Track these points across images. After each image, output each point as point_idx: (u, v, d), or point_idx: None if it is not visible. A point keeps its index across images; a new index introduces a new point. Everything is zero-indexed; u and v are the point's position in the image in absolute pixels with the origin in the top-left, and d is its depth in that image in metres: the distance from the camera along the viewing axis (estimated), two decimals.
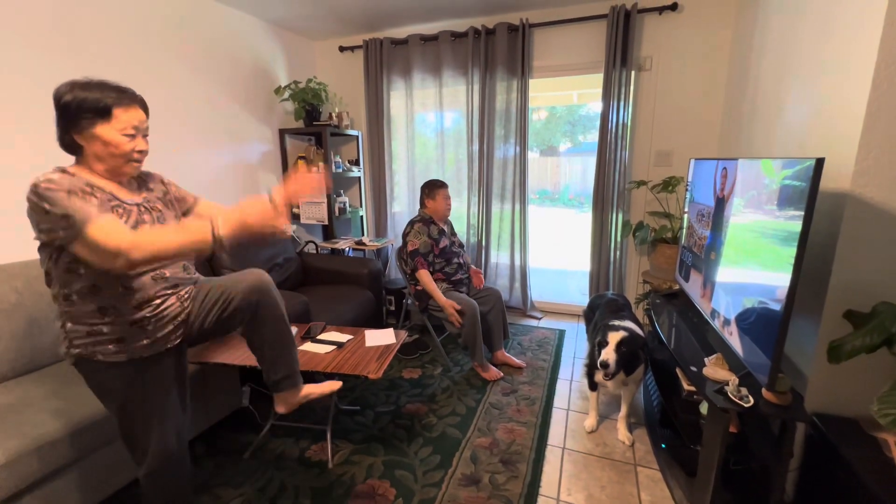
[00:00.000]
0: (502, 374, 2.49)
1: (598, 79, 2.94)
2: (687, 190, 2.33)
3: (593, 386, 2.03)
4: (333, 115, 3.39)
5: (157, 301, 1.18)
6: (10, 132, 1.85)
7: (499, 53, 3.07)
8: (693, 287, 2.04)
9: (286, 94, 3.24)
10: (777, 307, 1.27)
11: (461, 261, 2.69)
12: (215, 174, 2.84)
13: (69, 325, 1.12)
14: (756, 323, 1.40)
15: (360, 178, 3.75)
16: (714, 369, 1.52)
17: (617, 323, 1.88)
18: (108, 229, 0.98)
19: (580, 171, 12.48)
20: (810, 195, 1.17)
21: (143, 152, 1.15)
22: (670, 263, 2.67)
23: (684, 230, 2.30)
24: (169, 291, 1.22)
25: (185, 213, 1.35)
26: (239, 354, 1.78)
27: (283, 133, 3.37)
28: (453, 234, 2.82)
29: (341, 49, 3.59)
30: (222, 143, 2.89)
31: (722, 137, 2.75)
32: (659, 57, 2.86)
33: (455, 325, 2.43)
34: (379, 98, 3.44)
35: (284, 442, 1.92)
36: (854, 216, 1.34)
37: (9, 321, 1.67)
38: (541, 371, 2.56)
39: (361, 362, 1.75)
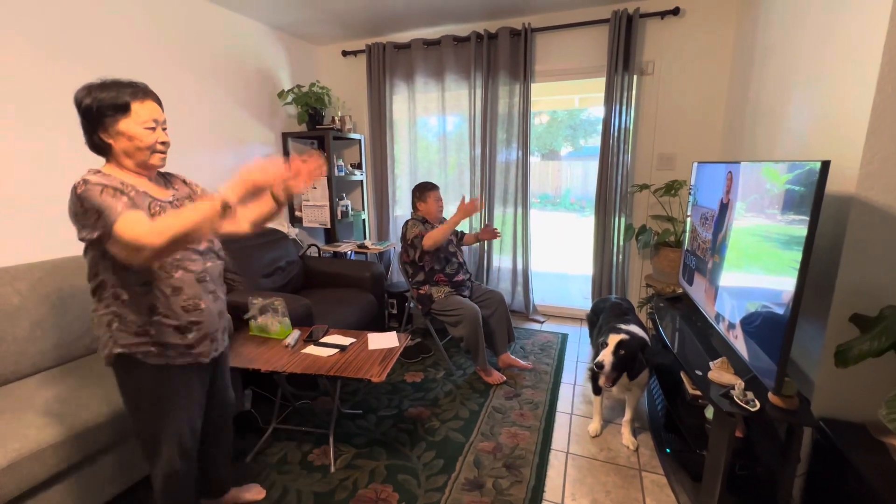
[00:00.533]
0: (505, 377, 2.48)
1: (600, 83, 2.95)
2: (690, 193, 2.33)
3: (597, 390, 2.02)
4: (336, 118, 3.40)
5: (203, 306, 1.23)
6: (11, 136, 1.85)
7: (501, 58, 3.08)
8: (697, 290, 2.03)
9: (289, 98, 3.26)
10: (782, 311, 1.27)
11: (461, 260, 2.69)
12: (218, 177, 2.84)
13: (115, 324, 1.15)
14: (761, 327, 1.40)
15: (362, 181, 3.75)
16: (719, 373, 1.51)
17: (621, 326, 1.87)
18: (130, 223, 1.01)
19: (581, 176, 12.49)
20: (816, 198, 1.16)
21: (166, 144, 1.20)
22: (673, 267, 2.67)
23: (687, 233, 2.29)
24: (211, 296, 1.26)
25: None
26: (241, 358, 1.77)
27: (285, 136, 3.38)
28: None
29: (344, 53, 3.60)
30: (225, 146, 2.90)
31: (725, 141, 2.75)
32: (661, 61, 2.86)
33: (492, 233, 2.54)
34: (381, 102, 3.45)
35: (286, 446, 1.91)
36: (859, 219, 1.33)
37: (11, 324, 1.66)
38: (544, 375, 2.55)
39: (364, 365, 1.74)
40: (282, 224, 3.32)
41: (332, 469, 1.77)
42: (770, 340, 1.32)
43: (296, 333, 1.97)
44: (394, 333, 2.04)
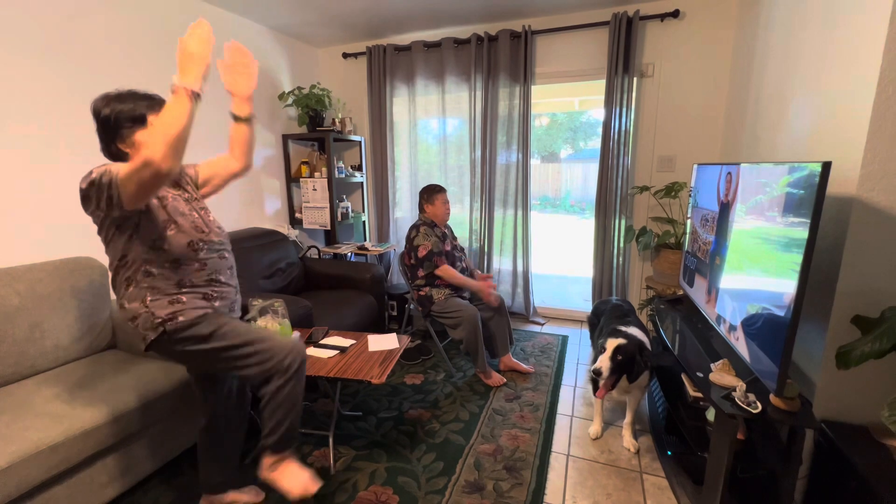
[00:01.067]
0: (505, 379, 2.48)
1: (600, 85, 2.95)
2: (690, 195, 2.33)
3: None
4: (336, 120, 3.41)
5: (223, 279, 1.36)
6: (10, 138, 1.85)
7: (501, 60, 3.09)
8: (698, 292, 2.03)
9: (290, 100, 3.26)
10: (784, 313, 1.26)
11: (463, 265, 2.69)
12: None
13: (149, 298, 1.24)
14: (763, 328, 1.39)
15: (362, 183, 3.75)
16: (720, 375, 1.50)
17: (621, 328, 1.87)
18: (129, 162, 1.06)
19: (581, 178, 12.52)
20: (817, 199, 1.16)
21: None
22: (674, 269, 2.67)
23: (688, 235, 2.29)
24: (229, 272, 1.40)
25: (199, 186, 1.47)
26: None
27: (286, 138, 3.38)
28: (454, 237, 2.82)
29: (345, 55, 3.61)
30: (226, 148, 2.89)
31: (725, 142, 2.76)
32: (661, 63, 2.87)
33: (493, 302, 2.53)
34: (382, 104, 3.46)
35: None
36: (861, 221, 1.33)
37: (10, 325, 1.66)
38: (544, 377, 2.54)
39: (364, 367, 1.74)
40: (282, 226, 3.33)
41: (332, 471, 1.77)
42: (771, 342, 1.32)
43: (296, 335, 1.96)
44: (394, 335, 2.04)
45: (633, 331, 1.87)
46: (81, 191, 1.13)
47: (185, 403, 1.75)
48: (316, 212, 3.33)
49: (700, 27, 2.76)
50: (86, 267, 1.94)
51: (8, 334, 1.65)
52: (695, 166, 2.26)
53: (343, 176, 3.43)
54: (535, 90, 3.16)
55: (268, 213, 3.29)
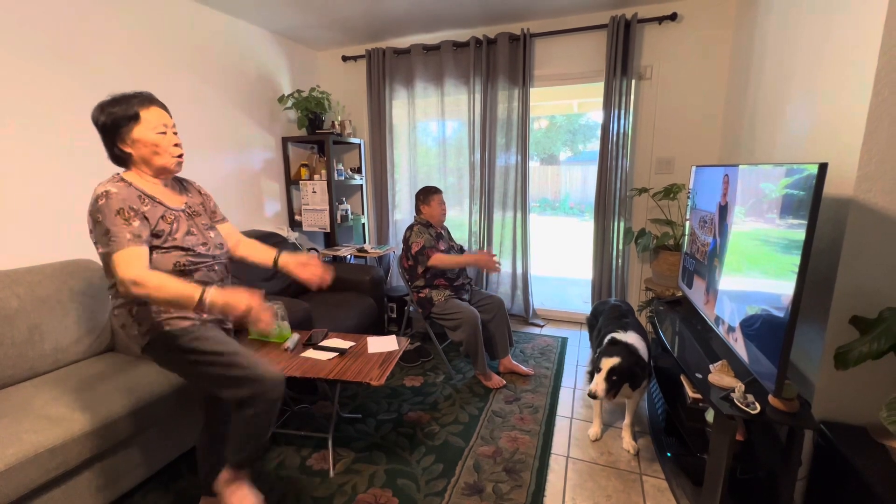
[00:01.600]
0: (504, 381, 2.47)
1: (598, 88, 2.96)
2: (689, 197, 2.33)
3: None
4: (336, 123, 3.42)
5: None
6: (9, 141, 1.85)
7: (500, 63, 3.10)
8: (696, 294, 2.03)
9: (289, 103, 3.27)
10: (782, 314, 1.27)
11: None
12: (219, 181, 2.85)
13: (135, 308, 1.26)
14: (761, 329, 1.40)
15: (362, 185, 3.76)
16: (719, 376, 1.50)
17: (618, 338, 1.85)
18: (127, 260, 1.14)
19: (580, 180, 12.54)
20: (814, 200, 1.17)
21: (178, 146, 1.30)
22: (673, 270, 2.67)
23: (686, 237, 2.29)
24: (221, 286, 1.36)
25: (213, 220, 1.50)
26: None
27: (285, 141, 3.39)
28: (451, 238, 2.83)
29: (344, 58, 3.62)
30: (226, 151, 2.91)
31: (723, 144, 2.77)
32: (659, 66, 2.88)
33: (497, 270, 2.61)
34: (381, 107, 3.47)
35: (285, 450, 1.90)
36: (858, 221, 1.34)
37: (10, 327, 1.66)
38: (543, 379, 2.54)
39: (364, 369, 1.74)
40: (281, 228, 3.33)
41: (332, 473, 1.76)
42: (770, 343, 1.32)
43: (295, 337, 1.96)
44: (393, 337, 2.04)
45: (631, 336, 1.86)
46: (89, 214, 1.19)
47: (181, 407, 1.75)
48: (315, 214, 3.34)
49: (698, 30, 2.77)
50: (85, 269, 1.94)
51: (7, 337, 1.65)
52: (693, 168, 2.27)
53: (342, 178, 3.44)
54: (534, 93, 3.17)
55: (267, 215, 3.30)
